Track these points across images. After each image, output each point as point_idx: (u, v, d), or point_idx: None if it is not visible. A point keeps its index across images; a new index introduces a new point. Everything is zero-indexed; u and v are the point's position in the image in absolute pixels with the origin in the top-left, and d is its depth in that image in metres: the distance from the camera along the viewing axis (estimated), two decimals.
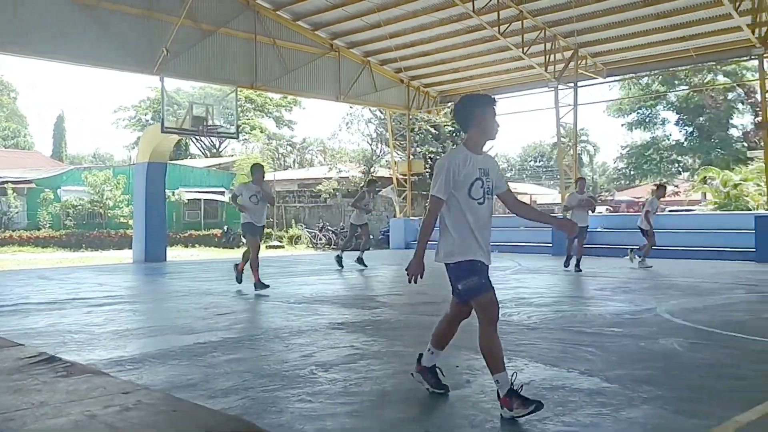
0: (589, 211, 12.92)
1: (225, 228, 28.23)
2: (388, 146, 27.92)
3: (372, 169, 36.64)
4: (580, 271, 12.48)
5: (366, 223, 14.47)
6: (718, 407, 3.82)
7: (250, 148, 49.89)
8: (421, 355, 4.23)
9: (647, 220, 13.58)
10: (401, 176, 24.34)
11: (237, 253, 23.10)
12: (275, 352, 5.50)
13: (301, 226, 27.80)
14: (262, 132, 49.88)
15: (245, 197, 9.95)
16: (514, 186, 49.95)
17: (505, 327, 6.64)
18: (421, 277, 3.84)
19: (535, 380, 4.40)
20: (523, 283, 11.12)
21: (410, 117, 24.30)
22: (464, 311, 3.98)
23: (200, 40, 16.83)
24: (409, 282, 3.88)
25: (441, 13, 17.46)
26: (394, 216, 24.84)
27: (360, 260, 14.18)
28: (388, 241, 23.87)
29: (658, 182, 18.01)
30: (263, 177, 10.29)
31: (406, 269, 3.86)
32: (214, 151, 50.17)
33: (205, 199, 31.74)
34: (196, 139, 46.97)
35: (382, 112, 30.93)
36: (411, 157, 25.99)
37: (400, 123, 26.67)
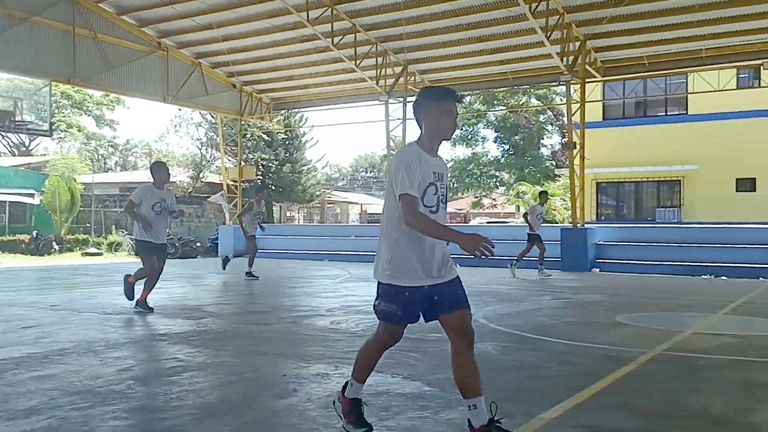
0: None
1: (34, 233, 25.92)
2: (219, 151, 27.22)
3: (201, 175, 35.50)
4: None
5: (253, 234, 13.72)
6: (527, 406, 4.11)
7: (66, 148, 46.35)
8: (346, 383, 3.67)
9: (532, 225, 14.39)
10: (232, 182, 23.81)
11: (48, 261, 21.27)
12: (88, 367, 5.12)
13: (122, 232, 26.24)
14: (80, 131, 46.58)
15: (146, 205, 7.97)
16: (345, 195, 50.84)
17: (333, 335, 6.71)
18: (492, 246, 3.11)
19: None
20: (353, 291, 11.30)
21: (242, 123, 23.87)
22: (393, 340, 3.52)
23: (9, 27, 15.37)
24: (485, 256, 3.14)
25: (276, 20, 17.36)
26: (224, 223, 24.23)
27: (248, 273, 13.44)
28: (217, 249, 23.21)
29: (541, 189, 18.68)
30: (168, 179, 8.43)
31: (469, 250, 3.08)
32: (23, 149, 45.99)
33: (10, 202, 28.92)
34: (1, 135, 42.75)
35: (213, 116, 30.10)
36: (242, 163, 25.54)
37: (232, 128, 26.11)
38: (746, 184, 21.88)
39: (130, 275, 8.29)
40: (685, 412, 4.07)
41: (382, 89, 19.05)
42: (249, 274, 13.37)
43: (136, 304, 8.17)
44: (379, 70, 18.65)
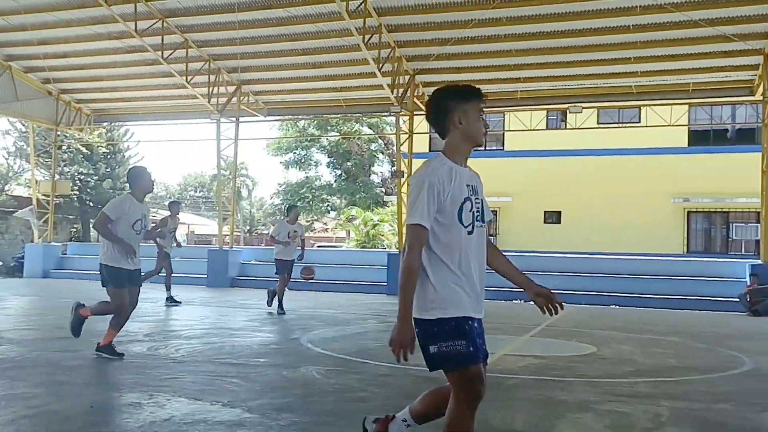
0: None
1: None
2: (30, 163, 25.02)
3: (7, 187, 32.40)
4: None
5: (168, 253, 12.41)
6: (347, 428, 4.16)
7: None
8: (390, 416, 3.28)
9: None
10: (43, 197, 21.93)
11: None
12: None
13: None
14: None
15: (125, 223, 6.35)
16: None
17: (151, 361, 6.37)
18: (411, 352, 2.74)
19: (176, 416, 4.28)
20: (174, 314, 10.82)
21: (58, 133, 22.14)
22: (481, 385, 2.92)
23: None
24: (398, 360, 2.76)
25: (100, 27, 16.40)
26: (32, 241, 22.21)
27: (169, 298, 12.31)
28: (22, 269, 21.18)
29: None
30: (151, 189, 6.80)
31: (390, 342, 2.75)
32: None
33: None
34: None
35: (24, 124, 27.65)
36: (57, 177, 23.66)
37: (46, 138, 24.13)
38: (553, 217, 23.97)
39: (83, 305, 6.64)
40: (492, 429, 4.32)
41: (214, 107, 18.61)
42: (171, 299, 12.23)
43: (98, 349, 6.38)
44: (211, 88, 18.20)
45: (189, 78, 17.52)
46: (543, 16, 14.44)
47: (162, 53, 16.54)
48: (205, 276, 18.45)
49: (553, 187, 23.46)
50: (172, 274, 12.64)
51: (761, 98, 15.08)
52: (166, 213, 13.32)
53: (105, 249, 6.38)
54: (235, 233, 22.65)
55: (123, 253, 6.27)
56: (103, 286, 6.41)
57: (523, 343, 8.67)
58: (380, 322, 10.72)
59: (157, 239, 11.56)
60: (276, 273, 11.35)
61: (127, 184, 6.87)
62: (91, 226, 32.79)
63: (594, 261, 17.83)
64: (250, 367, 6.11)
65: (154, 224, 11.04)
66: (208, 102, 18.37)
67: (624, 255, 18.98)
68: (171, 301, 12.21)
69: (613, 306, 15.19)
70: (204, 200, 61.20)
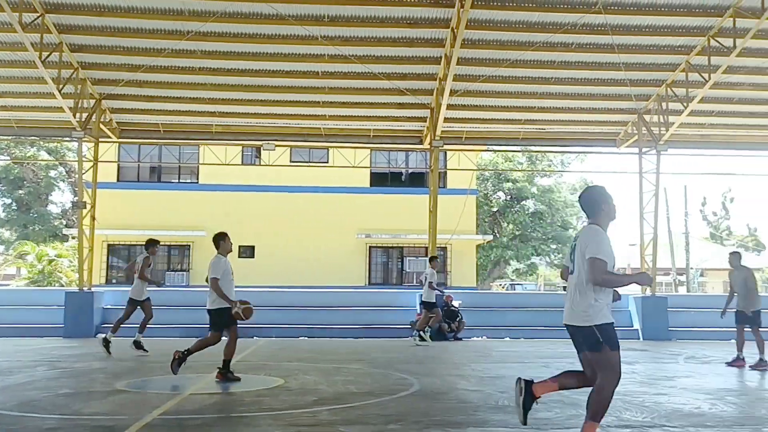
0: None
1: None
2: None
3: None
4: None
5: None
6: None
7: None
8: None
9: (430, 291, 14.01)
10: None
11: None
12: None
13: None
14: None
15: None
16: None
17: None
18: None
19: None
20: None
21: None
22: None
23: None
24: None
25: None
26: None
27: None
28: None
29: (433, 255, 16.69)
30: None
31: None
32: None
33: None
34: None
35: None
36: None
37: None
38: (247, 251, 24.15)
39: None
40: None
41: (79, 124, 15.43)
42: (138, 344, 11.33)
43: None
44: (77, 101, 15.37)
45: (60, 87, 14.48)
46: (237, 54, 14.67)
47: (40, 54, 13.67)
48: None
49: (247, 221, 23.67)
50: None
51: (429, 147, 17.14)
52: None
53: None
54: None
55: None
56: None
57: (212, 380, 8.48)
58: (52, 368, 9.61)
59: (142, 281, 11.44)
60: None
61: None
62: None
63: (285, 294, 18.31)
64: None
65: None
66: (74, 117, 15.24)
67: (313, 288, 19.88)
68: (138, 347, 11.38)
69: (302, 338, 15.74)
70: None
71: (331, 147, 19.86)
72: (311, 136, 18.13)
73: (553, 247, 39.04)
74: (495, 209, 39.19)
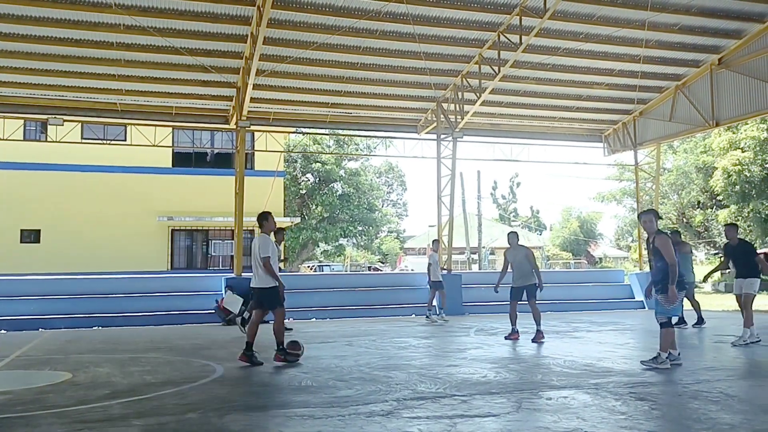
0: None
1: None
2: None
3: None
4: None
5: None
6: None
7: None
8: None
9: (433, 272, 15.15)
10: None
11: None
12: None
13: None
14: None
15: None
16: None
17: None
18: None
19: None
20: None
21: None
22: None
23: None
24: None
25: None
26: None
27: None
28: None
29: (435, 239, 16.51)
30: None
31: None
32: None
33: None
34: None
35: None
36: None
37: None
38: (31, 236, 22.00)
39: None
40: None
41: None
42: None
43: None
44: None
45: None
46: (16, 18, 13.15)
47: None
48: None
49: (31, 203, 21.55)
50: None
51: (235, 127, 16.72)
52: None
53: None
54: None
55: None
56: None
57: None
58: None
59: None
60: None
61: None
62: None
63: (76, 282, 16.88)
64: None
65: None
66: None
67: (109, 274, 18.58)
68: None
69: (95, 327, 14.70)
70: None
71: (128, 124, 18.57)
72: (106, 111, 16.85)
73: (360, 228, 40.20)
74: (303, 191, 39.38)
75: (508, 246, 11.27)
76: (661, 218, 8.19)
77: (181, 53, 14.41)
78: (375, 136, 26.60)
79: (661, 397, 5.92)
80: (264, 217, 8.67)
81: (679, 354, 7.76)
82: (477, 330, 12.98)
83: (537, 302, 10.78)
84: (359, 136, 26.71)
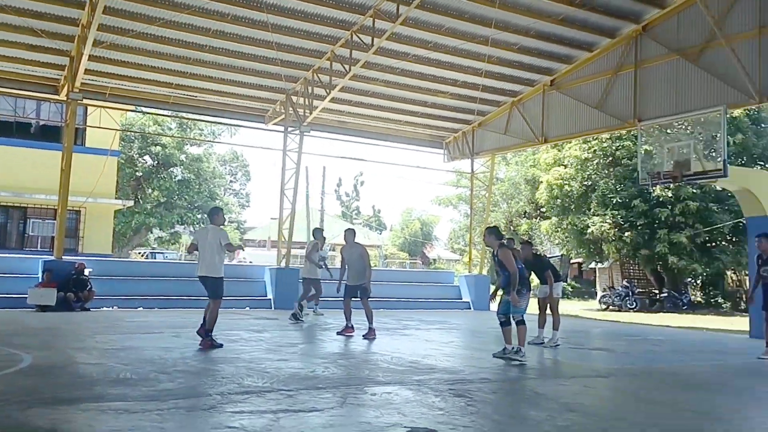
0: None
1: None
2: None
3: None
4: None
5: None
6: None
7: None
8: None
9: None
10: None
11: None
12: None
13: None
14: None
15: None
16: None
17: None
18: None
19: None
20: None
21: None
22: None
23: None
24: None
25: None
26: None
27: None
28: None
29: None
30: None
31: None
32: None
33: None
34: None
35: None
36: None
37: None
38: None
39: None
40: None
41: None
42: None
43: None
44: None
45: None
46: None
47: None
48: None
49: None
50: None
51: (65, 98, 15.48)
52: None
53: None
54: None
55: None
56: None
57: None
58: None
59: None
60: None
61: None
62: None
63: None
64: None
65: None
66: None
67: None
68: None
69: None
70: None
71: None
72: None
73: (199, 216, 38.82)
74: (140, 174, 37.35)
75: (345, 243, 11.32)
76: (501, 237, 8.69)
77: (6, 11, 13.13)
78: (220, 123, 25.89)
79: (477, 394, 6.26)
80: (216, 212, 9.31)
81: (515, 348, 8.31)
82: (310, 325, 13.02)
83: (371, 300, 10.94)
84: (203, 121, 25.75)
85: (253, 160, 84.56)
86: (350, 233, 11.32)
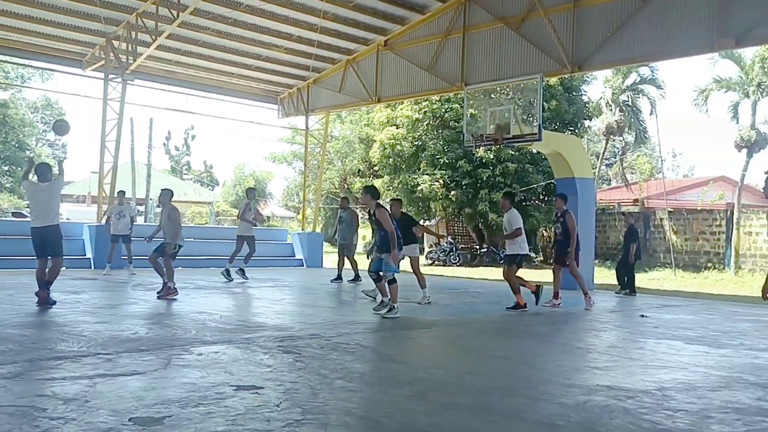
0: None
1: None
2: None
3: None
4: None
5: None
6: None
7: None
8: None
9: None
10: None
11: None
12: None
13: None
14: None
15: None
16: None
17: None
18: None
19: None
20: None
21: None
22: None
23: None
24: None
25: None
26: None
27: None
28: None
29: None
30: None
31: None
32: None
33: None
34: None
35: None
36: None
37: None
38: None
39: None
40: None
41: None
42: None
43: None
44: None
45: None
46: None
47: None
48: None
49: None
50: None
51: None
52: None
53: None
54: None
55: None
56: None
57: None
58: None
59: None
60: None
61: None
62: None
63: None
64: None
65: None
66: None
67: None
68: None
69: None
70: None
71: None
72: None
73: (6, 168, 35.32)
74: None
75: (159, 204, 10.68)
76: (378, 196, 8.92)
77: None
78: (30, 66, 23.49)
79: (305, 350, 6.33)
80: (46, 168, 8.93)
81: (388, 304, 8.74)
82: (135, 285, 12.41)
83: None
84: (9, 63, 23.17)
85: (71, 108, 77.83)
86: (165, 193, 10.78)
